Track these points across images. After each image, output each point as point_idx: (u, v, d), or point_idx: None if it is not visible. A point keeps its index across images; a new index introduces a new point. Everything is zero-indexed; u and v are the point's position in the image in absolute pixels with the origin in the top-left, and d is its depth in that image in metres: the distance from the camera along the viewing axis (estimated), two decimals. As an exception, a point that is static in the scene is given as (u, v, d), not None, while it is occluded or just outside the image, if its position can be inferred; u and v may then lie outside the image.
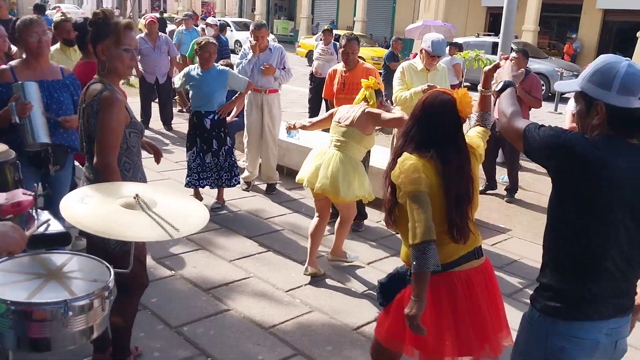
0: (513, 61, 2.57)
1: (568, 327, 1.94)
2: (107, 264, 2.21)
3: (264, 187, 6.54)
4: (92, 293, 2.00)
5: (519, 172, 7.87)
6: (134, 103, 7.81)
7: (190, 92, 5.68)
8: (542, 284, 2.02)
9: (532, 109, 6.56)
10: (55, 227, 2.47)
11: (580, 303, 1.94)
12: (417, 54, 5.55)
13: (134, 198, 2.20)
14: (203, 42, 5.52)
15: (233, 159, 5.70)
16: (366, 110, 4.16)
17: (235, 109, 5.95)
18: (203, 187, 5.66)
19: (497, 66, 2.57)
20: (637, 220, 1.89)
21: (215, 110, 5.51)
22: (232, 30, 25.59)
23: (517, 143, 2.04)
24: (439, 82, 5.35)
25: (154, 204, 2.21)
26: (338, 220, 4.57)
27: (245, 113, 6.35)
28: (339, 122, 4.22)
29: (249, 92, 6.02)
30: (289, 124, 4.65)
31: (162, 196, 2.35)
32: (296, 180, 4.40)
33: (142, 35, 8.84)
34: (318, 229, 4.41)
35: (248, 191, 6.40)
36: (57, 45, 5.24)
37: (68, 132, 3.71)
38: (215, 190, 5.83)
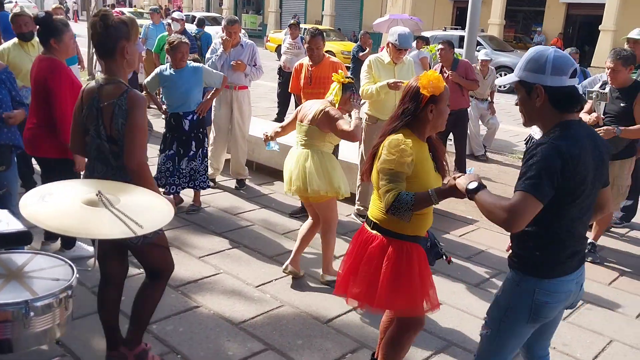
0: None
1: (551, 284, 2.26)
2: (71, 263, 2.16)
3: (232, 182, 6.50)
4: (54, 292, 1.96)
5: (487, 164, 7.98)
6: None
7: (164, 94, 5.47)
8: (527, 249, 2.29)
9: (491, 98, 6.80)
10: (15, 226, 2.41)
11: (558, 264, 2.26)
12: (384, 47, 5.56)
13: (97, 195, 2.16)
14: (175, 42, 5.20)
15: (207, 160, 5.58)
16: (325, 110, 3.99)
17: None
18: (171, 194, 5.38)
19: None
20: (595, 188, 2.24)
21: (194, 110, 5.34)
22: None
23: (538, 210, 2.09)
24: (406, 76, 5.36)
25: (117, 201, 2.17)
26: (320, 232, 4.27)
27: (213, 109, 6.25)
28: (302, 121, 4.13)
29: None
30: (266, 135, 4.46)
31: (125, 193, 2.31)
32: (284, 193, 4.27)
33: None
34: (308, 232, 4.31)
35: (214, 188, 6.35)
36: (15, 40, 5.11)
37: (11, 130, 3.62)
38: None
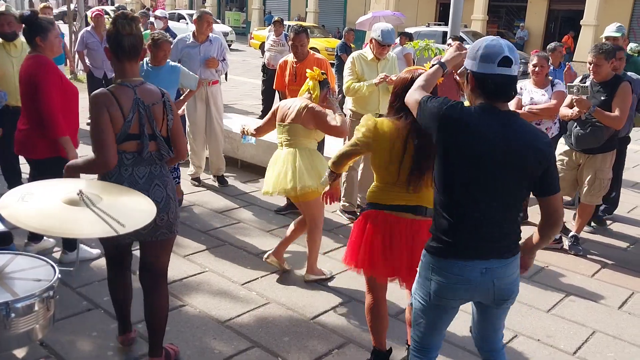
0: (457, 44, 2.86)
1: (443, 264, 2.33)
2: (53, 263, 2.14)
3: (213, 181, 6.48)
4: (35, 293, 1.94)
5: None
6: (83, 99, 7.60)
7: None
8: (431, 229, 2.42)
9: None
10: (-5, 227, 2.39)
11: (452, 246, 2.31)
12: (368, 44, 5.56)
13: (78, 194, 2.14)
14: (160, 40, 5.06)
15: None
16: (309, 106, 3.96)
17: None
18: None
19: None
20: (503, 180, 2.23)
21: None
22: (187, 23, 25.05)
23: (414, 111, 2.44)
24: (389, 72, 5.37)
25: (98, 200, 2.15)
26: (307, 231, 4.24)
27: (186, 109, 6.08)
28: (283, 121, 4.06)
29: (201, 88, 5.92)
30: (243, 128, 4.44)
31: (107, 192, 2.29)
32: (263, 193, 4.22)
33: (89, 28, 8.60)
34: (299, 227, 4.30)
35: (198, 186, 6.32)
36: None
37: None
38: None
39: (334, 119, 3.94)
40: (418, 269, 2.48)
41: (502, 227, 2.31)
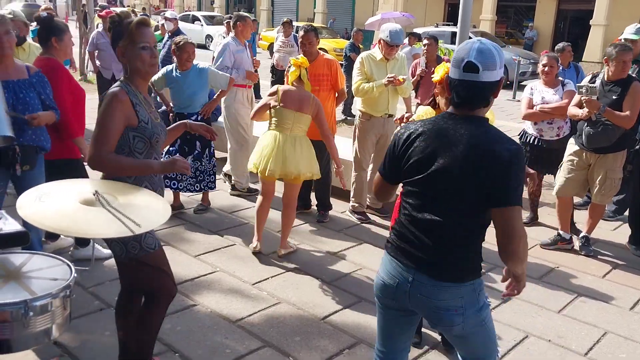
0: None
1: (383, 256, 2.34)
2: (69, 263, 2.17)
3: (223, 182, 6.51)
4: (52, 292, 1.96)
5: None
6: (93, 99, 7.66)
7: (171, 94, 5.43)
8: None
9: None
10: (12, 226, 2.41)
11: (390, 241, 2.32)
12: (376, 44, 5.57)
13: (94, 195, 2.17)
14: (182, 43, 5.18)
15: (214, 160, 5.48)
16: (317, 100, 4.50)
17: None
18: (176, 190, 5.39)
19: None
20: (449, 187, 2.10)
21: (199, 111, 5.33)
22: (202, 25, 25.09)
23: (384, 184, 2.44)
24: (398, 72, 5.39)
25: (114, 200, 2.18)
26: (287, 210, 4.65)
27: (241, 112, 5.98)
28: (285, 107, 4.43)
29: (241, 88, 5.92)
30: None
31: (122, 193, 2.31)
32: (249, 169, 4.65)
33: (100, 29, 8.66)
34: (265, 209, 4.71)
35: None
36: None
37: (36, 132, 3.60)
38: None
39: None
40: None
41: (435, 243, 2.15)
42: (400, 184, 2.31)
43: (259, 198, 4.70)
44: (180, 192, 5.50)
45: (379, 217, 5.66)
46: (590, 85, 4.67)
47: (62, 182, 2.41)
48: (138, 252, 2.60)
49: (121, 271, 2.80)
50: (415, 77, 6.84)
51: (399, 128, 2.36)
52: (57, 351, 3.22)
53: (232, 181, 6.14)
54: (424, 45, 6.94)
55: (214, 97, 5.54)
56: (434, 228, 2.14)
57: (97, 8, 10.84)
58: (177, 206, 5.47)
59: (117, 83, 2.61)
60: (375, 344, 2.49)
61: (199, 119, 5.29)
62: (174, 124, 3.08)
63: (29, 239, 2.28)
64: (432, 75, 3.52)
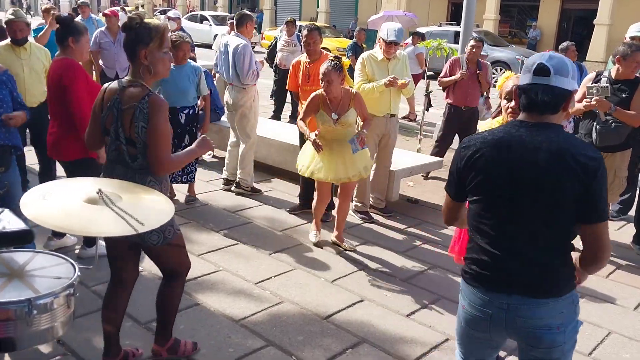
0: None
1: (465, 287, 2.21)
2: (72, 261, 2.17)
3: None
4: (56, 291, 1.97)
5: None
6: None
7: (161, 88, 5.32)
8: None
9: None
10: (16, 225, 2.42)
11: (468, 270, 2.18)
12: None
13: (97, 193, 2.17)
14: (177, 42, 5.27)
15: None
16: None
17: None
18: (170, 181, 5.52)
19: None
20: (525, 203, 2.01)
21: (192, 105, 5.45)
22: (210, 25, 24.96)
23: (450, 204, 2.36)
24: (400, 71, 5.35)
25: (118, 199, 2.18)
26: (340, 203, 4.90)
27: (256, 111, 6.07)
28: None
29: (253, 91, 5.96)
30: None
31: (126, 191, 2.31)
32: (298, 171, 4.84)
33: (103, 28, 8.66)
34: (322, 208, 5.00)
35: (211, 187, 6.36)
36: (7, 41, 5.10)
37: (10, 131, 3.62)
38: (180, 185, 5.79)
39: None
40: None
41: (526, 259, 2.04)
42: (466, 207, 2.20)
43: (316, 197, 4.97)
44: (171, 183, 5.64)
45: (382, 217, 5.66)
46: (600, 85, 4.65)
47: (65, 181, 2.42)
48: (172, 235, 2.79)
49: (156, 259, 2.95)
50: (452, 77, 6.79)
51: (465, 140, 2.19)
52: (61, 349, 3.22)
53: (237, 178, 6.15)
54: (470, 47, 6.77)
55: (205, 116, 5.67)
56: (523, 245, 2.04)
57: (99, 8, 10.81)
58: (171, 196, 5.57)
59: (140, 88, 2.66)
60: (377, 342, 2.48)
61: (190, 112, 5.42)
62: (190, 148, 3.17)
63: (33, 237, 2.29)
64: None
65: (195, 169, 5.75)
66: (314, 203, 5.01)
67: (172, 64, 5.13)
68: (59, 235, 4.48)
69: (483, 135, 2.09)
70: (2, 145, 3.57)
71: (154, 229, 2.50)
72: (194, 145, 2.86)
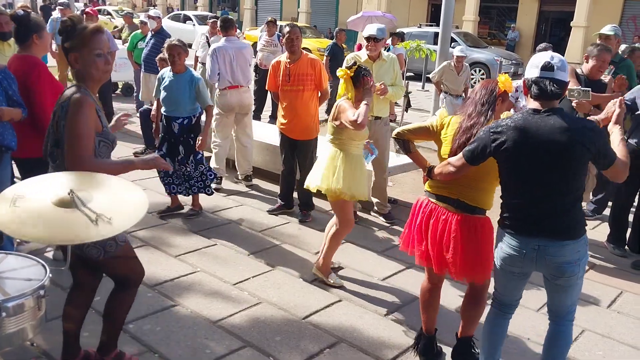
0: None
1: (505, 235, 2.79)
2: (44, 263, 2.13)
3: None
4: (26, 293, 1.93)
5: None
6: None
7: (162, 94, 5.33)
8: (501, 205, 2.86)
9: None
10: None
11: (510, 221, 2.77)
12: (361, 44, 5.56)
13: (69, 194, 2.12)
14: (167, 45, 5.21)
15: (204, 167, 5.35)
16: (339, 103, 4.03)
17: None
18: (172, 193, 5.41)
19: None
20: (542, 170, 2.62)
21: (189, 116, 5.24)
22: (194, 25, 24.70)
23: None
24: (384, 74, 5.28)
25: (89, 199, 2.13)
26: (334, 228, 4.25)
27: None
28: (332, 120, 4.11)
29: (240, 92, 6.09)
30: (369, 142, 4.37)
31: (98, 187, 2.24)
32: (315, 189, 4.23)
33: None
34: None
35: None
36: None
37: (0, 130, 3.55)
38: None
39: (353, 113, 3.85)
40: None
41: (551, 211, 2.64)
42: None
43: (341, 225, 4.23)
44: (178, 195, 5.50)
45: (384, 221, 5.65)
46: (582, 89, 4.73)
47: (36, 180, 2.35)
48: (114, 249, 2.64)
49: (103, 270, 2.84)
50: None
51: (493, 125, 2.72)
52: (35, 352, 3.18)
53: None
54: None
55: (204, 128, 5.35)
56: (547, 201, 2.64)
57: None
58: (174, 207, 5.51)
59: (74, 88, 2.59)
60: (355, 342, 2.49)
61: (184, 122, 5.23)
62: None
63: (2, 239, 2.25)
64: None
65: (205, 184, 5.43)
66: (335, 231, 4.23)
67: (171, 72, 5.19)
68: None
69: (507, 123, 2.66)
70: None
71: (91, 244, 2.47)
72: (141, 158, 2.76)
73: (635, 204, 5.23)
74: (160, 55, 6.15)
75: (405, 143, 3.36)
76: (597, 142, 2.58)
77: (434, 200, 3.13)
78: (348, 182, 4.01)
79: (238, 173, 6.52)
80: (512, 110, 5.19)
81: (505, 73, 4.23)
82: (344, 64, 5.10)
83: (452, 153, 3.00)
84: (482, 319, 3.18)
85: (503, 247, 2.80)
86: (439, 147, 3.18)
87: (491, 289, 3.12)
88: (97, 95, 2.79)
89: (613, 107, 3.04)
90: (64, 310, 2.94)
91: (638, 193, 5.18)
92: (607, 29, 5.91)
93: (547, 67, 2.61)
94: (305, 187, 4.32)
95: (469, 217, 3.00)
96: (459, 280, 3.21)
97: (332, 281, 4.24)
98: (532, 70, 2.67)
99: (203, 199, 5.66)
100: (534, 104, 2.66)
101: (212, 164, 6.27)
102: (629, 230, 5.21)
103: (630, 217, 5.22)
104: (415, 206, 3.23)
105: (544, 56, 2.65)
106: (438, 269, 3.13)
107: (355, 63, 4.13)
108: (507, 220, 2.78)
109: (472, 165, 2.82)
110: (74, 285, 2.97)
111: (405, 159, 6.62)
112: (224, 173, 6.41)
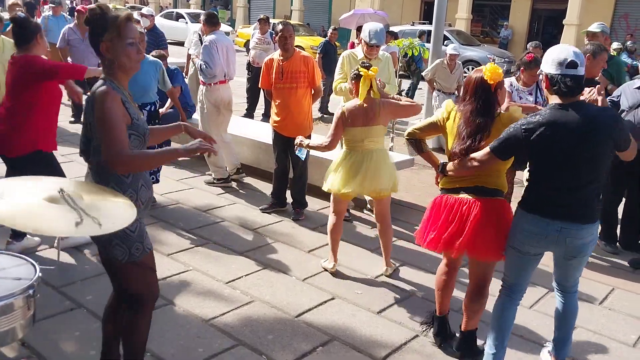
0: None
1: (529, 218, 2.93)
2: (33, 262, 2.12)
3: (201, 179, 6.46)
4: (15, 292, 1.92)
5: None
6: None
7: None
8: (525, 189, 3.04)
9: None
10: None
11: (534, 204, 2.93)
12: (354, 42, 5.53)
13: (59, 192, 2.11)
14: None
15: None
16: (383, 101, 4.12)
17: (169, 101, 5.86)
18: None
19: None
20: (576, 156, 2.79)
21: (153, 102, 5.41)
22: (187, 22, 24.60)
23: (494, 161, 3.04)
24: (380, 72, 5.23)
25: (79, 200, 2.12)
26: (382, 227, 4.39)
27: (214, 113, 6.17)
28: (366, 125, 4.09)
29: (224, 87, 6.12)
30: (300, 141, 4.34)
31: (88, 192, 2.25)
32: (338, 193, 4.19)
33: (71, 25, 8.51)
34: (338, 227, 4.42)
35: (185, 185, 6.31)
36: None
37: None
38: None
39: (401, 101, 4.24)
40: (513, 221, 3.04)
41: (575, 196, 2.83)
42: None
43: (331, 218, 4.38)
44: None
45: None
46: None
47: (25, 179, 2.33)
48: (140, 254, 2.51)
49: (117, 278, 2.64)
50: None
51: (524, 122, 2.81)
52: (26, 352, 3.16)
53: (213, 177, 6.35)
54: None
55: (179, 112, 5.72)
56: (572, 187, 2.82)
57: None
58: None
59: (100, 82, 2.48)
60: (348, 340, 2.49)
61: (152, 108, 5.41)
62: (172, 125, 2.94)
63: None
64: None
65: (159, 170, 5.65)
66: (329, 224, 4.42)
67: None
68: (18, 237, 4.35)
69: (537, 119, 2.77)
70: None
71: (118, 244, 2.38)
72: (184, 145, 2.55)
73: (623, 200, 5.26)
74: (153, 52, 6.12)
75: (417, 143, 3.46)
76: (621, 128, 2.81)
77: (453, 195, 3.19)
78: (377, 179, 4.13)
79: (227, 170, 6.49)
80: (507, 100, 5.25)
81: None
82: (350, 77, 5.00)
83: (462, 142, 3.07)
84: (482, 318, 3.19)
85: (525, 227, 2.93)
86: (446, 140, 3.25)
87: (494, 285, 3.12)
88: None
89: (589, 96, 3.39)
90: (108, 327, 2.80)
91: (625, 190, 5.21)
92: (594, 27, 5.96)
93: (571, 65, 2.73)
94: (343, 193, 4.20)
95: (491, 200, 3.12)
96: (474, 257, 3.26)
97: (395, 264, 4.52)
98: (553, 66, 2.76)
99: (199, 197, 5.65)
100: (557, 99, 2.79)
101: (213, 167, 6.29)
102: (619, 226, 5.23)
103: (626, 216, 5.24)
104: (434, 204, 3.29)
105: (565, 52, 2.75)
106: (458, 253, 3.21)
107: (359, 74, 4.12)
108: (533, 204, 2.93)
109: (501, 160, 2.95)
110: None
111: (398, 157, 6.63)
112: (227, 172, 6.41)
